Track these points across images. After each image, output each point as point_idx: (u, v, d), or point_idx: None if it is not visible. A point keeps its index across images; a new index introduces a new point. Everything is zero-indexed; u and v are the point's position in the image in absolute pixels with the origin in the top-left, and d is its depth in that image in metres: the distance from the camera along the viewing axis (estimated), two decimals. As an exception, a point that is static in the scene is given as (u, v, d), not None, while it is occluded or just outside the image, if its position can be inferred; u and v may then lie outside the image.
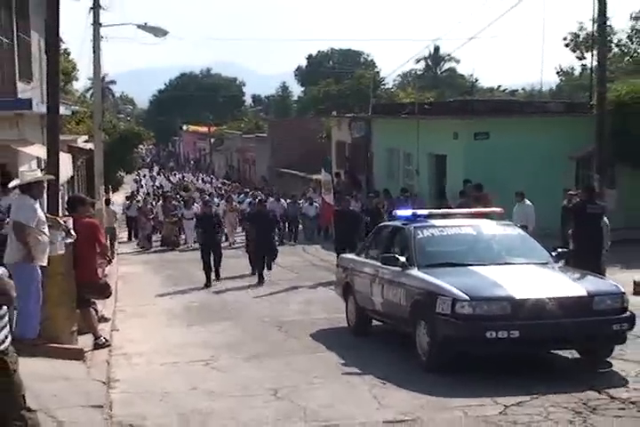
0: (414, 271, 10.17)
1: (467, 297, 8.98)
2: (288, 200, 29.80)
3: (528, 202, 18.58)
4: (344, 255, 13.68)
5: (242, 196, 34.39)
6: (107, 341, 10.68)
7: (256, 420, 7.64)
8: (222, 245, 20.18)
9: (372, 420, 7.58)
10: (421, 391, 8.39)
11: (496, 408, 7.78)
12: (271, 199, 28.89)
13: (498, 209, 12.63)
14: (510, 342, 8.80)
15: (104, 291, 11.18)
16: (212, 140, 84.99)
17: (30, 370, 7.72)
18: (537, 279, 9.77)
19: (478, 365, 9.17)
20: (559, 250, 10.99)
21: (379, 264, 11.11)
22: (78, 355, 9.69)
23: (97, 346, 10.39)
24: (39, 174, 10.04)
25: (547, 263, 10.47)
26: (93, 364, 9.53)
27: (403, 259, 10.46)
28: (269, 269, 18.59)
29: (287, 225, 28.94)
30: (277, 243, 19.16)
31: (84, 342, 10.37)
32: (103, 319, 11.94)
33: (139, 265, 23.02)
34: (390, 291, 10.57)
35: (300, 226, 29.27)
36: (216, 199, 32.78)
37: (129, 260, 24.39)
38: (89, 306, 10.77)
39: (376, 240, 12.25)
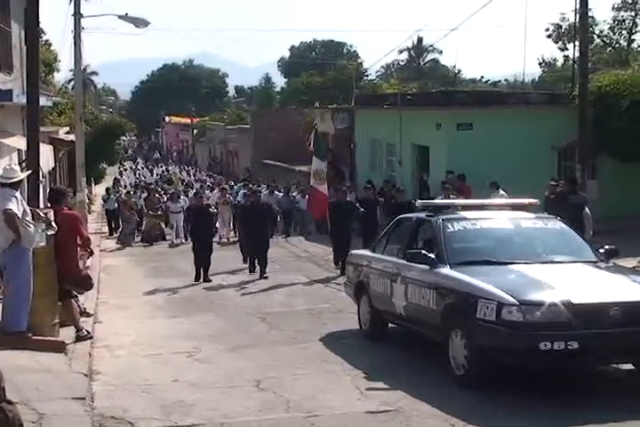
0: (446, 270, 8.95)
1: (515, 301, 7.73)
2: (282, 193, 28.81)
3: (502, 192, 18.49)
4: (356, 251, 12.45)
5: (238, 186, 32.55)
6: (89, 333, 10.63)
7: (239, 411, 7.63)
8: (215, 240, 19.19)
9: (355, 410, 7.57)
10: (404, 382, 8.37)
11: (480, 397, 7.78)
12: (265, 192, 27.32)
13: (533, 200, 11.01)
14: (568, 354, 7.56)
15: (85, 283, 11.11)
16: (195, 131, 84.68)
17: (11, 362, 7.71)
18: (593, 281, 8.52)
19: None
20: (606, 247, 9.69)
21: (401, 262, 9.88)
22: (60, 347, 9.64)
23: (79, 338, 10.34)
24: (19, 173, 9.96)
25: (597, 262, 9.25)
26: (75, 356, 9.48)
27: (432, 256, 9.26)
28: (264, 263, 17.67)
29: (282, 218, 28.03)
30: (271, 235, 18.64)
31: (66, 334, 10.29)
32: (85, 314, 11.86)
33: (122, 257, 22.86)
34: (416, 292, 9.34)
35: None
36: (207, 191, 31.26)
37: (113, 252, 24.24)
38: (71, 298, 10.74)
39: (396, 234, 10.89)
